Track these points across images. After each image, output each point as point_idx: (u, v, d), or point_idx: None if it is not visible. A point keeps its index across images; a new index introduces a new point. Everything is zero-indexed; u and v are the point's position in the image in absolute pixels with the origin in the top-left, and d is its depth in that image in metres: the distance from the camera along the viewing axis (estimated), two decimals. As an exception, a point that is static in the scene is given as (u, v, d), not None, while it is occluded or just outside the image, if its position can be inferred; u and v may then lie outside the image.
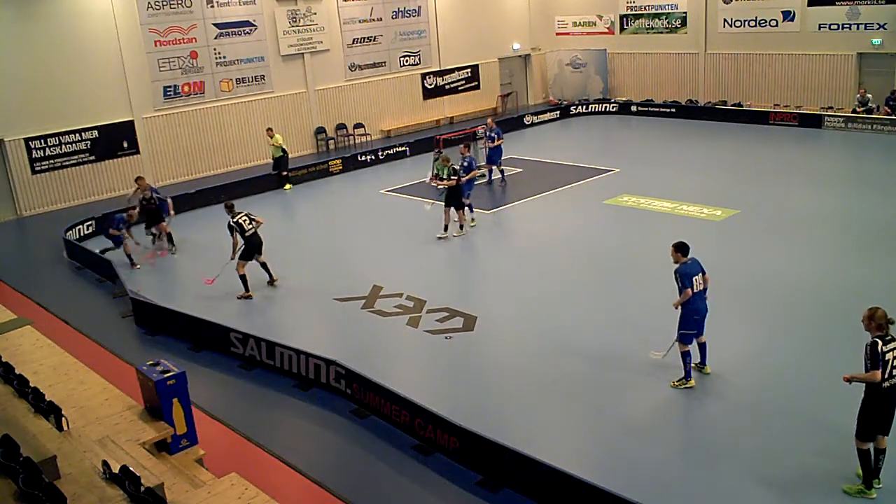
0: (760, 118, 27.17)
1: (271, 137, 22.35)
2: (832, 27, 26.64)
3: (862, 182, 19.83)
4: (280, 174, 22.47)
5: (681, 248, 10.05)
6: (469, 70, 31.37)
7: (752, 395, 9.98)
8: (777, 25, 27.83)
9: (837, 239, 15.53)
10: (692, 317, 9.96)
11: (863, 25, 25.93)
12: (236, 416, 10.34)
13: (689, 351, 10.11)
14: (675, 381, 10.23)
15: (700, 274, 9.99)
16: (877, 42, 25.64)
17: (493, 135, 20.99)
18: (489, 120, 22.17)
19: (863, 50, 26.13)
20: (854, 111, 25.53)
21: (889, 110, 24.78)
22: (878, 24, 25.60)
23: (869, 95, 25.49)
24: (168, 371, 8.57)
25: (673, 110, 29.63)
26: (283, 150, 22.45)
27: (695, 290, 9.85)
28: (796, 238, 15.59)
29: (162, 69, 23.34)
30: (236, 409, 10.63)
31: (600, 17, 32.62)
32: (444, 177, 16.70)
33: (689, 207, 17.83)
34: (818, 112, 26.29)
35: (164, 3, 23.03)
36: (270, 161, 22.85)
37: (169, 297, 14.48)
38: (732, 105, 28.62)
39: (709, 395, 10.09)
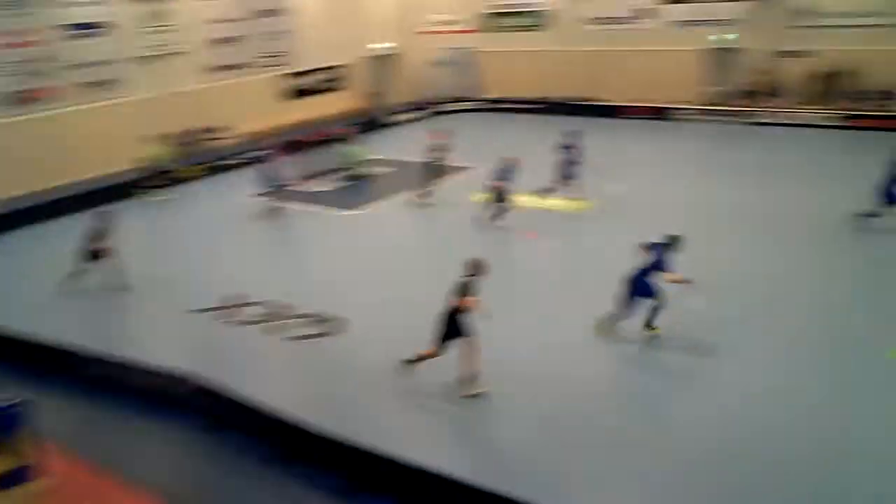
0: (614, 112, 28.72)
1: (154, 146, 21.50)
2: (686, 24, 28.21)
3: (710, 170, 21.00)
4: (155, 185, 21.49)
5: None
6: (333, 70, 31.03)
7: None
8: (634, 23, 29.26)
9: (692, 225, 16.28)
10: None
11: (715, 22, 27.53)
12: (85, 445, 9.71)
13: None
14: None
15: None
16: (729, 37, 27.14)
17: None
18: None
19: (713, 46, 27.65)
20: (703, 104, 26.97)
21: (736, 103, 26.28)
22: (728, 20, 27.29)
23: (718, 89, 26.98)
24: (8, 399, 8.01)
25: (540, 106, 30.40)
26: (166, 158, 21.65)
27: None
28: (652, 228, 16.23)
29: (3, 74, 21.78)
30: (85, 436, 10.01)
31: (465, 16, 33.05)
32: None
33: (551, 201, 18.35)
34: (670, 105, 27.66)
35: (9, 3, 21.46)
36: (132, 168, 21.60)
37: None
38: (594, 100, 29.72)
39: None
